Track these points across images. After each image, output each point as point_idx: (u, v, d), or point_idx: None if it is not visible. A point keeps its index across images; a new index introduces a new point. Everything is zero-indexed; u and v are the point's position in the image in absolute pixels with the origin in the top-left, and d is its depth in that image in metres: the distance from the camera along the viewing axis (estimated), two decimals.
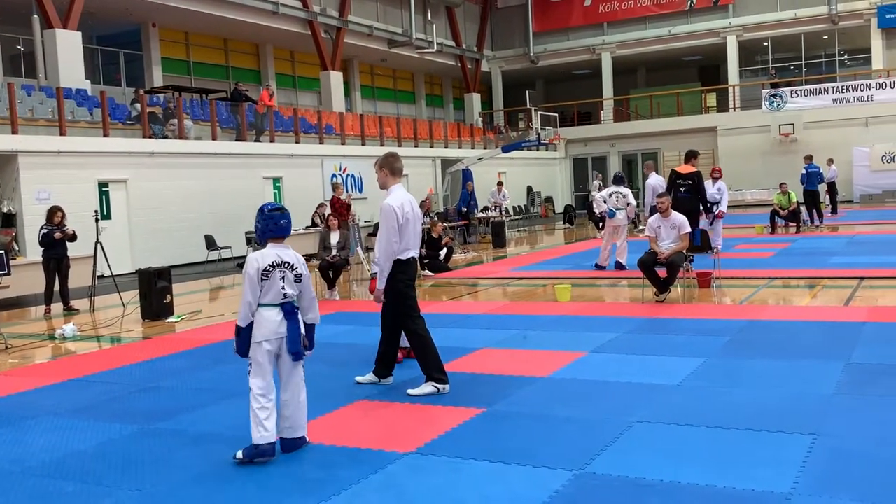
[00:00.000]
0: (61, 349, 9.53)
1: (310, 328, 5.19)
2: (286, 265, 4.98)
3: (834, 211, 24.51)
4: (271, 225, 5.05)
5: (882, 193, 30.08)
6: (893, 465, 4.38)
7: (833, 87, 32.06)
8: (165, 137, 19.76)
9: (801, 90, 32.58)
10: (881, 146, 30.25)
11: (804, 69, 35.53)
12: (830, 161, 24.91)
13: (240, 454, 4.90)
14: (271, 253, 4.98)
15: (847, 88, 31.75)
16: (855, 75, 33.25)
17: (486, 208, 26.25)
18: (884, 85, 31.04)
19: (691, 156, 13.52)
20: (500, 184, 26.42)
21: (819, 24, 33.47)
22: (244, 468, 4.82)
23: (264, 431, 4.85)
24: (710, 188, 14.39)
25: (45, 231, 12.30)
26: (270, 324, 4.93)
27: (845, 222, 21.81)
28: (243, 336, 4.95)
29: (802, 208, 20.53)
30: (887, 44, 32.74)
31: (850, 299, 9.86)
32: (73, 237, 12.42)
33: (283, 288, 4.96)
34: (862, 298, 9.88)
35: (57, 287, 12.44)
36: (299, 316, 5.05)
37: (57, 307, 12.44)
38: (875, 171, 30.21)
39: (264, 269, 4.91)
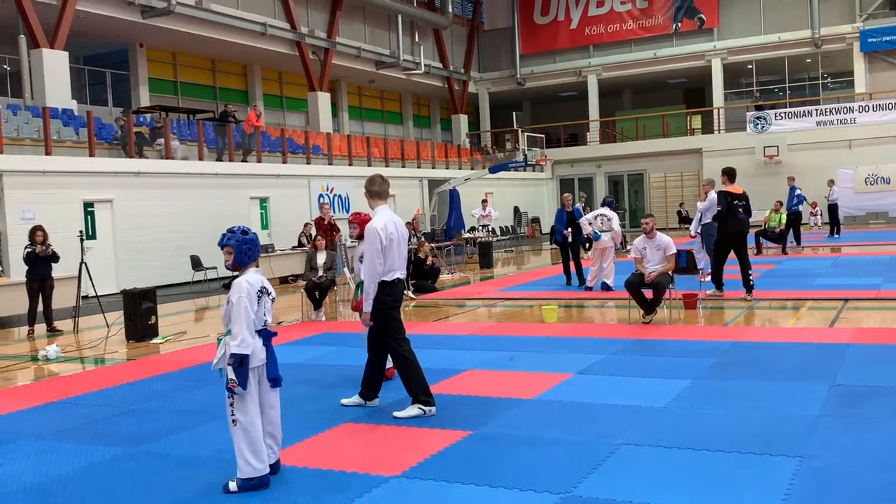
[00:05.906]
0: (44, 371, 9.44)
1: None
2: (265, 291, 4.93)
3: (833, 232, 24.44)
4: (258, 246, 5.04)
5: (865, 215, 30.37)
6: (878, 486, 4.39)
7: (816, 110, 32.43)
8: (152, 156, 19.71)
9: (784, 112, 32.94)
10: (864, 168, 30.56)
11: (788, 92, 35.92)
12: (831, 182, 24.98)
13: (233, 485, 4.74)
14: (257, 279, 4.90)
15: (830, 111, 32.12)
16: (838, 98, 33.63)
17: (472, 228, 26.19)
18: (867, 108, 31.42)
19: (734, 174, 12.20)
20: (484, 202, 25.99)
21: (802, 48, 33.89)
22: (228, 493, 4.74)
23: (259, 464, 4.74)
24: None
25: (28, 250, 12.23)
26: (257, 350, 4.82)
27: (830, 244, 21.96)
28: (247, 366, 4.70)
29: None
30: (870, 67, 33.16)
31: (834, 321, 9.91)
32: (53, 256, 12.31)
33: (265, 314, 4.90)
34: (846, 320, 9.93)
35: (40, 308, 12.35)
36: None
37: (40, 328, 12.35)
38: (858, 193, 30.49)
39: (256, 295, 4.84)
